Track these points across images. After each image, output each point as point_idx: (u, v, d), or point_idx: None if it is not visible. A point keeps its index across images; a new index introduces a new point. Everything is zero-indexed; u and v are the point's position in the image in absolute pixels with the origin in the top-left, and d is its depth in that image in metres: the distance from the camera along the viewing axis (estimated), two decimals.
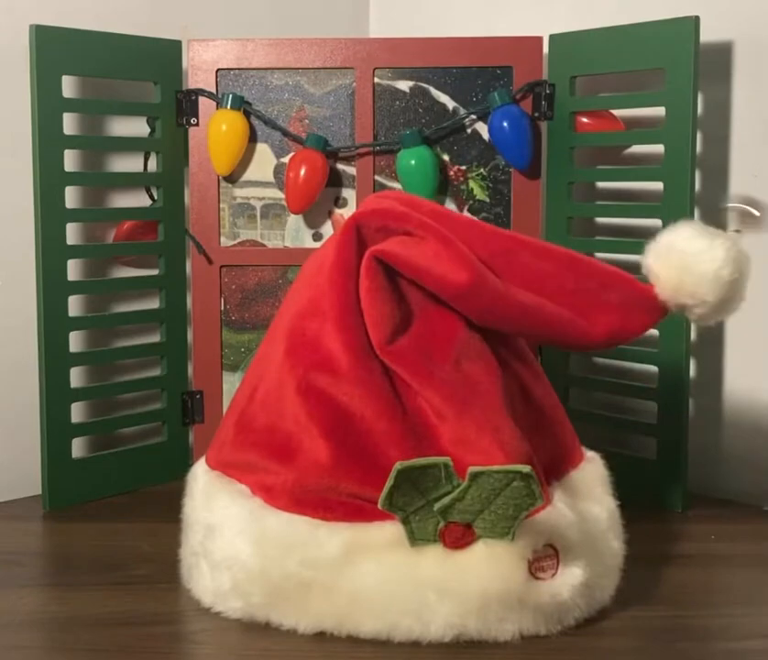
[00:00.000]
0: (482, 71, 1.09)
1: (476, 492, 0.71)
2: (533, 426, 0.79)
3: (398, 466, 0.70)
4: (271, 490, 0.77)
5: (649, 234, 1.06)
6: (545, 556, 0.73)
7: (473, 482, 0.71)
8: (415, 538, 0.72)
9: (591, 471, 0.84)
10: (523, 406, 0.80)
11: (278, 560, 0.75)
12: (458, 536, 0.72)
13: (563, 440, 0.84)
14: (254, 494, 0.79)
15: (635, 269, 1.10)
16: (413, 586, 0.72)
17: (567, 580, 0.74)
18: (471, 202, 1.10)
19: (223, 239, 1.11)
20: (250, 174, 1.11)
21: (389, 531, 0.73)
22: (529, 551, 0.73)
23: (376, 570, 0.73)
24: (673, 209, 1.01)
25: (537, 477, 0.71)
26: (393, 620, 0.73)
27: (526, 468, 0.70)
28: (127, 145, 1.12)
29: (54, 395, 1.03)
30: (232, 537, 0.77)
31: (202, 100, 1.10)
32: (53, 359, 1.03)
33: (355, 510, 0.74)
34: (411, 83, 1.10)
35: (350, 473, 0.75)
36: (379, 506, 0.71)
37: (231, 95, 1.09)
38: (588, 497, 0.81)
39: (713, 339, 1.07)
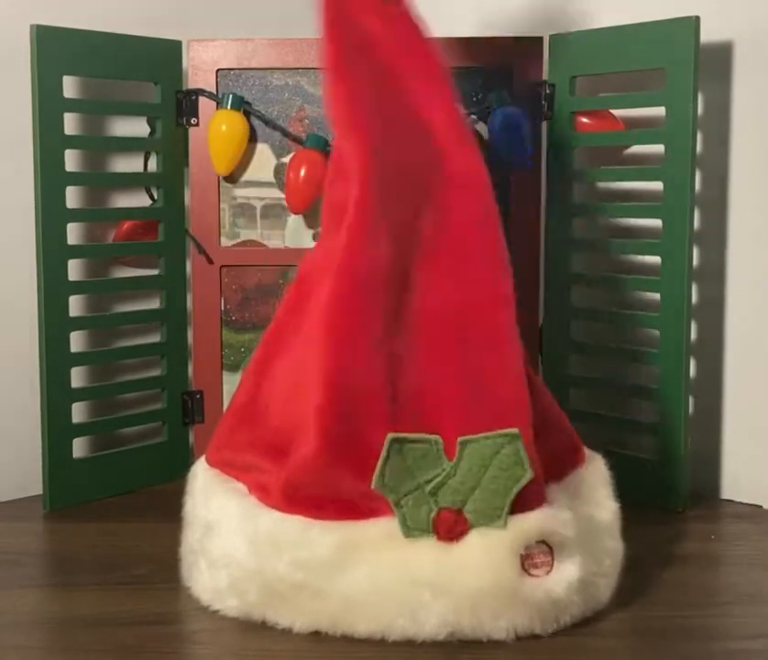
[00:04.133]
0: (482, 71, 1.09)
1: (466, 465, 0.72)
2: (534, 425, 0.80)
3: (390, 435, 0.71)
4: (266, 489, 0.78)
5: (649, 234, 1.07)
6: (539, 553, 0.73)
7: (463, 453, 0.72)
8: (409, 527, 0.73)
9: (592, 472, 0.84)
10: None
11: (270, 559, 0.75)
12: (451, 525, 0.73)
13: (564, 440, 0.84)
14: (250, 493, 0.79)
15: (636, 269, 1.10)
16: (407, 585, 0.72)
17: (563, 577, 0.74)
18: None
19: (223, 239, 1.11)
20: (250, 174, 1.11)
21: (381, 529, 0.73)
22: (521, 546, 0.73)
23: (369, 572, 0.73)
24: (673, 209, 1.01)
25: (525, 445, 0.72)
26: (388, 620, 0.73)
27: (514, 430, 0.71)
28: (127, 145, 1.12)
29: (55, 395, 1.03)
30: (228, 535, 0.78)
31: (202, 100, 1.10)
32: (54, 359, 1.03)
33: (347, 508, 0.75)
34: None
35: (342, 465, 0.75)
36: (372, 486, 0.72)
37: (231, 95, 1.09)
38: (588, 497, 0.81)
39: (713, 339, 1.07)
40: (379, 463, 0.72)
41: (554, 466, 0.81)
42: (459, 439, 0.72)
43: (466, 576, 0.72)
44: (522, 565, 0.73)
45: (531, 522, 0.73)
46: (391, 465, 0.72)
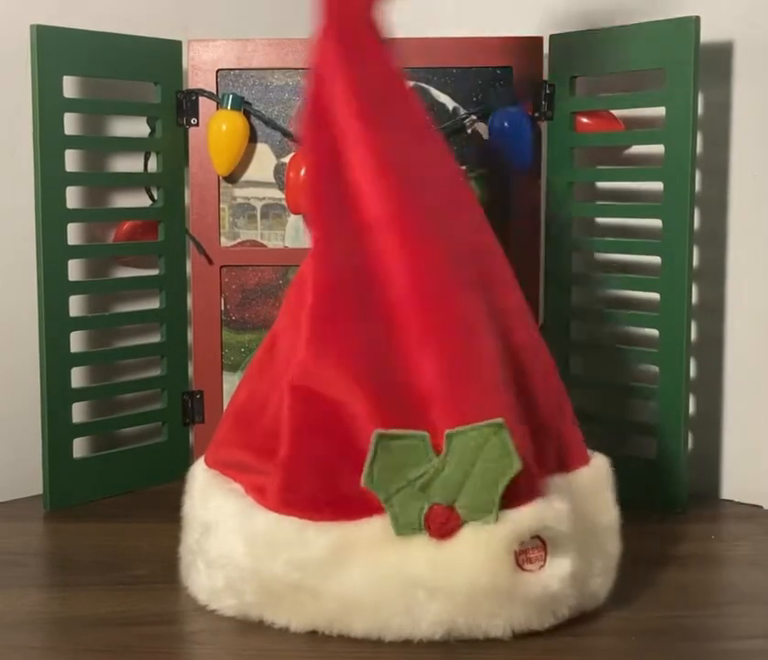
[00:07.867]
0: (482, 71, 1.09)
1: (454, 458, 0.72)
2: (534, 422, 0.80)
3: (377, 432, 0.72)
4: (262, 490, 0.78)
5: (649, 234, 1.07)
6: (533, 548, 0.73)
7: (450, 446, 0.72)
8: (400, 524, 0.73)
9: (595, 472, 0.83)
10: (524, 401, 0.80)
11: (267, 560, 0.75)
12: (442, 521, 0.73)
13: (565, 438, 0.83)
14: (247, 494, 0.79)
15: (635, 269, 1.10)
16: (402, 585, 0.72)
17: (556, 572, 0.74)
18: None
19: (223, 239, 1.11)
20: (250, 174, 1.11)
21: (376, 527, 0.73)
22: (515, 542, 0.73)
23: (364, 571, 0.73)
24: (673, 209, 1.01)
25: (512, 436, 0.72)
26: (384, 619, 0.73)
27: (499, 420, 0.71)
28: (127, 145, 1.12)
29: (55, 395, 1.03)
30: (226, 536, 0.78)
31: (202, 100, 1.10)
32: (54, 359, 1.03)
33: (342, 509, 0.75)
34: (410, 83, 1.09)
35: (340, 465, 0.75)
36: (362, 483, 0.72)
37: (231, 95, 1.09)
38: (588, 496, 0.80)
39: (713, 339, 1.07)
40: (367, 460, 0.72)
41: (554, 462, 0.80)
42: (446, 431, 0.72)
43: (461, 575, 0.72)
44: (517, 560, 0.73)
45: (524, 518, 0.73)
46: (379, 462, 0.72)
